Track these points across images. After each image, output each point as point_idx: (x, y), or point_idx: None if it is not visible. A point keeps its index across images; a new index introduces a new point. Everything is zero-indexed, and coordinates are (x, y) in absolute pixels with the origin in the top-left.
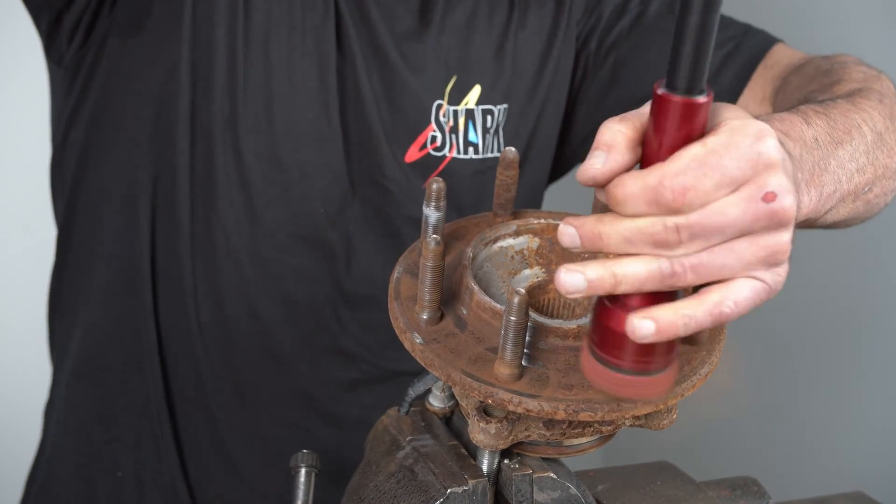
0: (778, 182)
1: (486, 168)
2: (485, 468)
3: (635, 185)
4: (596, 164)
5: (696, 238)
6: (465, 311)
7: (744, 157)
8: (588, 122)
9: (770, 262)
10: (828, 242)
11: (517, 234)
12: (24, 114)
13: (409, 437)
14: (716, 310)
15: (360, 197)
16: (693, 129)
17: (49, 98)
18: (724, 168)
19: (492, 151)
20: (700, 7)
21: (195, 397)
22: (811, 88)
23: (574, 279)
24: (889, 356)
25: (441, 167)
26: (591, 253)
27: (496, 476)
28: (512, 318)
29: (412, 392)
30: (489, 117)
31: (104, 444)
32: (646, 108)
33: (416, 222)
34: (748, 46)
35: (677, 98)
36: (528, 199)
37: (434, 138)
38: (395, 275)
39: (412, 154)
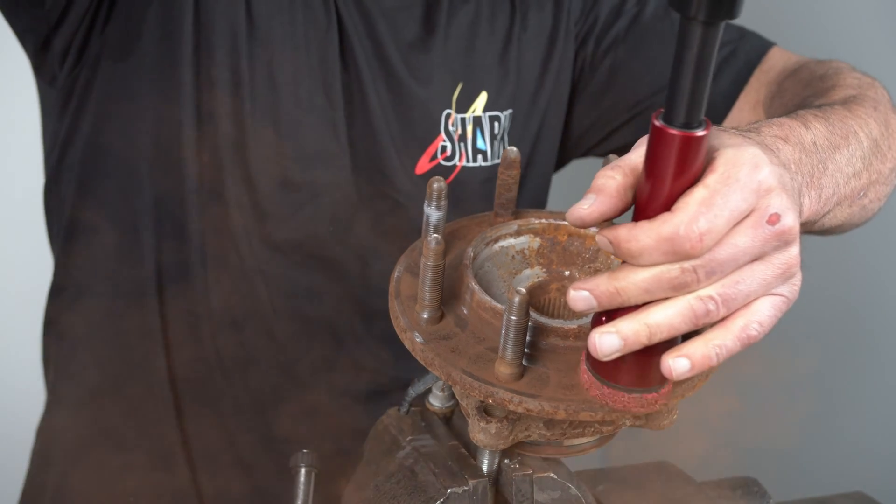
0: (779, 203)
1: (494, 175)
2: (485, 468)
3: (649, 239)
4: (583, 205)
5: (712, 274)
6: (465, 311)
7: (745, 188)
8: (585, 118)
9: (786, 277)
10: (828, 243)
11: (518, 233)
12: (14, 130)
13: (410, 437)
14: (743, 334)
15: (372, 212)
16: (691, 162)
17: (40, 117)
18: (731, 204)
19: (499, 158)
20: (698, 42)
21: (209, 418)
22: (807, 94)
23: (610, 341)
24: (889, 356)
25: (452, 177)
26: (591, 253)
27: (496, 476)
28: (513, 317)
29: (412, 392)
30: (496, 124)
31: (116, 469)
32: (638, 155)
33: None
34: (744, 51)
35: (675, 131)
36: (534, 201)
37: (444, 148)
38: (396, 274)
39: (423, 165)
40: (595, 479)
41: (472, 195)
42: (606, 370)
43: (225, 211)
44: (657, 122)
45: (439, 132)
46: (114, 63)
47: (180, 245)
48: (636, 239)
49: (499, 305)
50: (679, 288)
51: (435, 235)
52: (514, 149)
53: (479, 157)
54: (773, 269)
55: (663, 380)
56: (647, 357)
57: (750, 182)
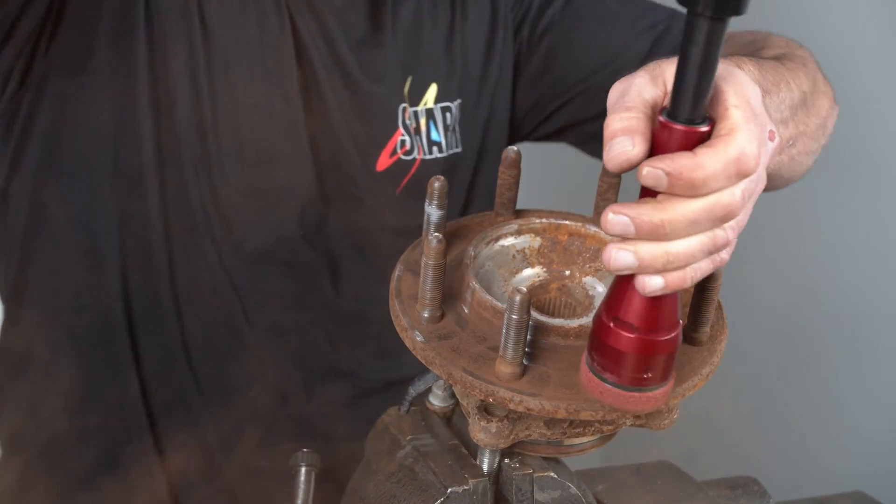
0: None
1: (451, 166)
2: (485, 467)
3: (717, 163)
4: (627, 147)
5: (751, 196)
6: (466, 310)
7: (761, 112)
8: (525, 101)
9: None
10: (828, 243)
11: (519, 233)
12: None
13: (410, 437)
14: (718, 258)
15: (336, 213)
16: None
17: None
18: (762, 122)
19: (453, 148)
20: (704, 38)
21: (188, 437)
22: (738, 55)
23: (625, 257)
24: (889, 356)
25: (412, 171)
26: (592, 252)
27: (497, 475)
28: (513, 316)
29: (413, 391)
30: (448, 114)
31: (93, 498)
32: (637, 91)
33: (393, 231)
34: (677, 28)
35: (679, 127)
36: (489, 189)
37: (403, 142)
38: (397, 273)
39: (383, 161)
40: (595, 478)
41: None
42: (606, 368)
43: (192, 225)
44: (661, 118)
45: (397, 127)
46: (63, 82)
47: (147, 266)
48: (702, 166)
49: (500, 304)
50: (728, 217)
51: (436, 234)
52: (514, 148)
53: (435, 148)
54: (761, 185)
55: (663, 380)
56: (647, 356)
57: (760, 105)
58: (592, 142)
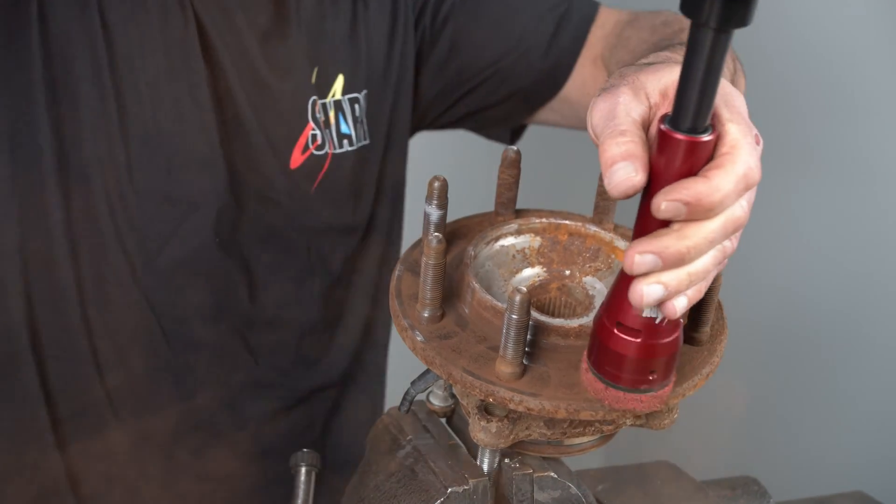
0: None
1: (360, 158)
2: (485, 467)
3: (729, 183)
4: (630, 174)
5: (751, 203)
6: (466, 310)
7: (746, 116)
8: (430, 89)
9: None
10: (828, 243)
11: (519, 233)
12: None
13: (410, 437)
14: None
15: (251, 216)
16: (697, 166)
17: None
18: (753, 131)
19: (362, 140)
20: (708, 49)
21: (107, 468)
22: (655, 39)
23: (655, 290)
24: (889, 356)
25: (325, 167)
26: (591, 252)
27: (497, 475)
28: (514, 316)
29: (413, 391)
30: (356, 106)
31: None
32: (626, 112)
33: (310, 231)
34: (578, 10)
35: (681, 136)
36: (396, 179)
37: (314, 137)
38: (397, 273)
39: (296, 158)
40: (595, 478)
41: (346, 181)
42: (606, 370)
43: (101, 239)
44: (663, 127)
45: (308, 121)
46: None
47: (53, 286)
48: (718, 189)
49: (500, 304)
50: (739, 229)
51: (436, 234)
52: (514, 148)
53: (346, 141)
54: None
55: (664, 380)
56: (649, 359)
57: (746, 111)
58: (493, 127)
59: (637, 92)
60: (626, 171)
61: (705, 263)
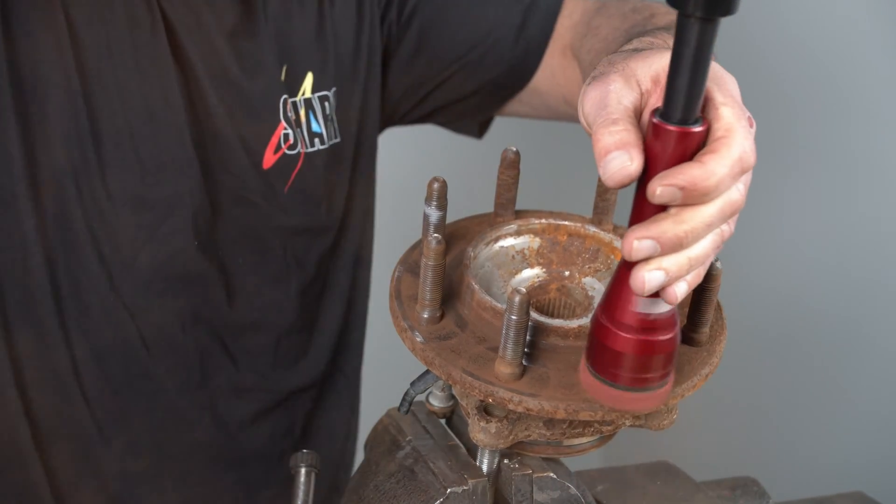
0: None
1: (332, 157)
2: (485, 468)
3: (724, 167)
4: (626, 162)
5: (748, 187)
6: (465, 311)
7: (739, 98)
8: (399, 85)
9: None
10: (828, 243)
11: (518, 233)
12: None
13: (409, 437)
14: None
15: (227, 218)
16: (689, 157)
17: None
18: (745, 113)
19: (333, 138)
20: (695, 39)
21: (87, 478)
22: (627, 26)
23: (657, 276)
24: (889, 356)
25: (298, 166)
26: (591, 253)
27: (496, 476)
28: (513, 316)
29: (412, 391)
30: (326, 104)
31: None
32: (617, 100)
33: (284, 232)
34: (544, 0)
35: (672, 128)
36: (366, 179)
37: (286, 136)
38: (396, 274)
39: (269, 158)
40: (595, 479)
41: (318, 181)
42: (604, 369)
43: (76, 246)
44: (654, 119)
45: (280, 120)
46: None
47: (28, 297)
48: (713, 173)
49: (499, 305)
50: (736, 212)
51: (435, 235)
52: (514, 148)
53: (317, 140)
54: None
55: (663, 380)
56: (647, 356)
57: (739, 94)
58: (463, 121)
59: (628, 79)
60: (620, 160)
61: (704, 247)
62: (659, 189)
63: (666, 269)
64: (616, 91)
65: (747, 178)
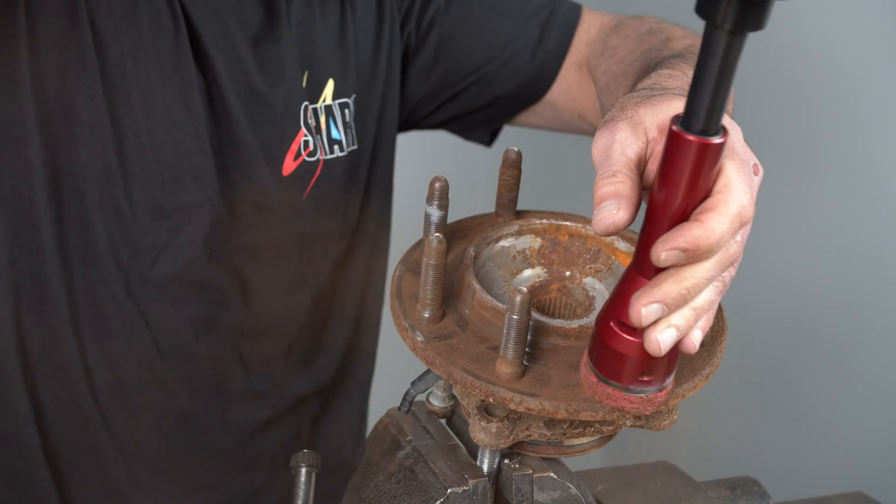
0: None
1: (353, 165)
2: (485, 468)
3: (724, 224)
4: (612, 212)
5: (746, 237)
6: (466, 310)
7: (745, 149)
8: (415, 93)
9: None
10: (828, 243)
11: (519, 233)
12: None
13: (410, 437)
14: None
15: (244, 225)
16: (708, 168)
17: None
18: (749, 167)
19: (352, 145)
20: (722, 51)
21: (96, 482)
22: (644, 49)
23: (671, 335)
24: (889, 356)
25: (317, 173)
26: (592, 253)
27: (496, 476)
28: (514, 316)
29: (413, 391)
30: (346, 111)
31: None
32: (621, 151)
33: (301, 238)
34: (562, 13)
35: (692, 138)
36: (384, 185)
37: (306, 143)
38: (397, 273)
39: (288, 165)
40: (595, 479)
41: (337, 187)
42: (607, 370)
43: (94, 254)
44: (675, 127)
45: (300, 127)
46: None
47: (44, 304)
48: (714, 231)
49: (500, 305)
50: (735, 262)
51: (437, 234)
52: (515, 149)
53: (336, 147)
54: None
55: (664, 380)
56: (649, 359)
57: (742, 143)
58: (476, 130)
59: (635, 127)
60: (608, 209)
61: (708, 298)
62: (664, 254)
63: (676, 325)
64: (621, 141)
65: (745, 230)
